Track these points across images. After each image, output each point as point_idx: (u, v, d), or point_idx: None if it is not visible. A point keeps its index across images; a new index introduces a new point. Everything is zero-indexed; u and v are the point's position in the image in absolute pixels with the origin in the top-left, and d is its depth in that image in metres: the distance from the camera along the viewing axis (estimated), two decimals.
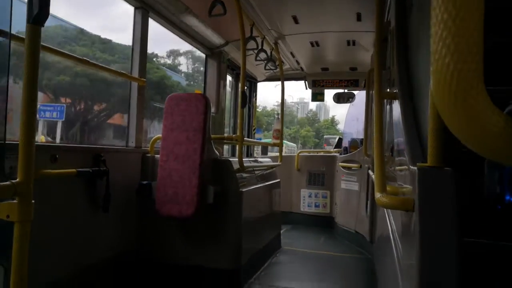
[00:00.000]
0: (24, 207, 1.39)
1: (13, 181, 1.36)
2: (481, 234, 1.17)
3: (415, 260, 1.13)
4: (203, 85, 4.94)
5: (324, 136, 43.67)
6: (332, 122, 54.66)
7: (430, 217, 1.11)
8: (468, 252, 1.09)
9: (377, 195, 1.43)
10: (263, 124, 45.44)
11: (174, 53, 34.44)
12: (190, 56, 34.23)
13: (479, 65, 0.49)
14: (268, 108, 56.35)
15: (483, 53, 0.49)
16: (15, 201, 1.38)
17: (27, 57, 1.41)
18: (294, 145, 45.69)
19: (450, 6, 0.49)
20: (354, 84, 6.17)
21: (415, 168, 1.16)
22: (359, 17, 3.97)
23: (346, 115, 9.70)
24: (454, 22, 0.49)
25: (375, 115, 2.12)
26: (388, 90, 2.73)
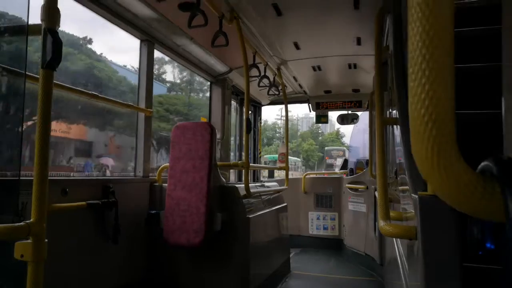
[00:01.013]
0: (38, 247, 1.42)
1: (27, 221, 1.40)
2: (484, 259, 1.19)
3: (420, 285, 1.15)
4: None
5: (325, 148, 41.96)
6: (337, 135, 51.88)
7: (432, 245, 1.13)
8: (469, 277, 1.11)
9: (381, 223, 1.46)
10: (264, 138, 44.51)
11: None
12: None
13: (452, 135, 0.54)
14: (269, 122, 54.97)
15: (457, 80, 0.55)
16: (29, 241, 1.42)
17: (41, 98, 1.48)
18: (298, 159, 44.54)
19: (417, 81, 0.55)
20: (358, 105, 6.21)
21: (416, 196, 1.18)
22: (359, 41, 4.06)
23: (353, 128, 9.52)
24: (429, 100, 0.55)
25: (377, 141, 2.16)
26: (390, 110, 2.77)
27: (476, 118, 1.47)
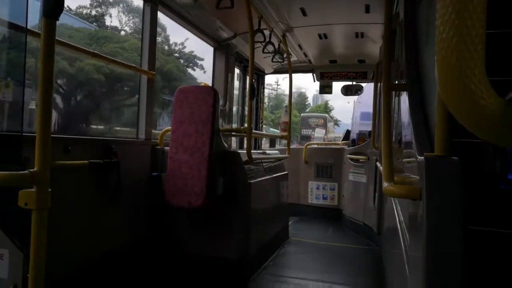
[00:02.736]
0: (41, 195, 1.44)
1: (30, 170, 1.41)
2: (488, 222, 1.19)
3: (421, 249, 1.16)
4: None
5: (301, 115, 31.95)
6: (326, 108, 45.75)
7: (437, 206, 1.13)
8: (474, 240, 1.12)
9: (385, 184, 1.46)
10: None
11: None
12: None
13: (480, 55, 0.52)
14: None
15: (487, 43, 0.53)
16: (32, 189, 1.43)
17: (43, 51, 1.45)
18: (278, 131, 40.88)
19: (454, 2, 0.52)
20: (363, 76, 6.14)
21: (422, 158, 1.18)
22: (367, 9, 3.96)
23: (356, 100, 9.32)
24: (458, 16, 0.52)
25: (383, 106, 2.13)
26: (396, 82, 2.74)
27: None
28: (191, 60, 27.93)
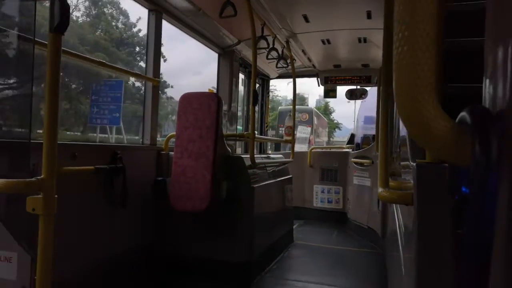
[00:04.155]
0: (48, 201, 1.50)
1: (38, 177, 1.48)
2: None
3: (413, 252, 1.20)
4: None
5: (279, 109, 22.92)
6: (326, 110, 40.74)
7: (427, 210, 1.17)
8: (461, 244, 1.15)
9: (379, 189, 1.50)
10: None
11: None
12: None
13: (431, 80, 0.58)
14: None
15: (442, 54, 0.58)
16: (39, 195, 1.50)
17: (49, 63, 1.52)
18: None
19: (404, 27, 0.59)
20: (367, 80, 6.18)
21: (414, 164, 1.22)
22: (369, 15, 4.00)
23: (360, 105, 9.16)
24: (410, 47, 0.58)
25: (381, 111, 2.18)
26: None
27: (462, 92, 1.50)
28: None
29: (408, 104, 0.59)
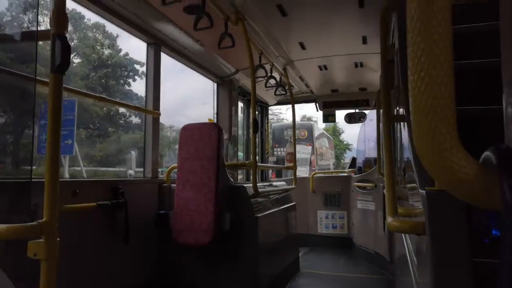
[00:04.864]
0: (50, 246, 1.46)
1: (39, 221, 1.44)
2: (491, 253, 1.19)
3: (428, 281, 1.16)
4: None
5: (273, 126, 19.20)
6: (334, 131, 37.69)
7: (441, 240, 1.14)
8: (477, 272, 1.12)
9: (389, 219, 1.46)
10: None
11: None
12: None
13: (453, 125, 0.56)
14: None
15: (455, 77, 0.57)
16: (41, 239, 1.46)
17: (51, 102, 1.51)
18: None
19: (420, 81, 0.57)
20: (365, 103, 6.20)
21: (424, 192, 1.19)
22: (364, 40, 4.06)
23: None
24: (428, 92, 0.57)
25: (384, 138, 2.16)
26: (397, 108, 2.77)
27: (479, 114, 1.48)
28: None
29: (429, 148, 0.57)
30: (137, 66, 21.39)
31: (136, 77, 21.42)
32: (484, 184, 0.55)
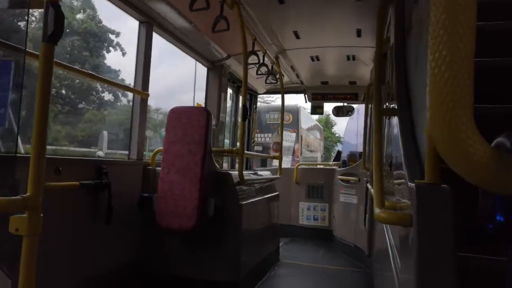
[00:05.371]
0: (33, 221, 1.41)
1: (23, 195, 1.39)
2: (476, 250, 1.21)
3: (412, 274, 1.17)
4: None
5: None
6: (327, 123, 35.72)
7: (427, 233, 1.14)
8: (462, 267, 1.13)
9: (376, 210, 1.47)
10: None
11: None
12: None
13: (470, 105, 0.55)
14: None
15: (477, 75, 0.56)
16: (24, 215, 1.41)
17: (41, 74, 1.46)
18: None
19: (441, 61, 0.56)
20: (354, 98, 6.23)
21: (413, 184, 1.20)
22: (359, 33, 4.05)
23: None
24: (447, 76, 0.56)
25: (374, 131, 2.16)
26: (387, 104, 2.78)
27: (498, 112, 1.49)
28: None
29: (446, 127, 0.57)
30: (111, 36, 19.47)
31: (111, 48, 19.37)
32: (498, 168, 0.56)
